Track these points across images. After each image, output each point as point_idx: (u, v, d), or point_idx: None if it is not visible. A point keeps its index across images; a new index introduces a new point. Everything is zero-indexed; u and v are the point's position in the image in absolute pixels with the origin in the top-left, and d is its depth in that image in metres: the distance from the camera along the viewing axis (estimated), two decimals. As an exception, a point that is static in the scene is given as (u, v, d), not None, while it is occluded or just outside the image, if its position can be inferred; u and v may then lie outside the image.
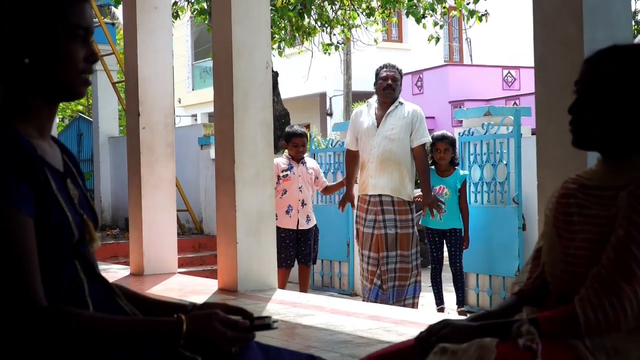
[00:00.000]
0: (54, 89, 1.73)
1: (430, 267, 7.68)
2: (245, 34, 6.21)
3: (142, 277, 7.45)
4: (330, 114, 25.05)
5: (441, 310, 7.12)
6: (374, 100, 6.41)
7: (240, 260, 6.18)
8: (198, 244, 11.59)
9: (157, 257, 7.58)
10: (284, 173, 7.17)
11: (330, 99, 25.18)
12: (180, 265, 8.17)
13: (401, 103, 6.25)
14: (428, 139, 6.53)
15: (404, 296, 6.21)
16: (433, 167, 7.29)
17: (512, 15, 22.14)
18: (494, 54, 25.00)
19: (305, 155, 7.47)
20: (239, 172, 6.19)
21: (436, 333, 1.96)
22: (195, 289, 6.49)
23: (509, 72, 23.99)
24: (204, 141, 12.18)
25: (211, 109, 29.32)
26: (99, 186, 14.29)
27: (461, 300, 7.51)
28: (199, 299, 6.00)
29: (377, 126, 6.22)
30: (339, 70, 22.46)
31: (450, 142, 7.33)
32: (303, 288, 7.29)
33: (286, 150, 7.49)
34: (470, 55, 26.28)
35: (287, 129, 7.72)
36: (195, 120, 29.15)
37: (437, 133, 7.50)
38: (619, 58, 2.01)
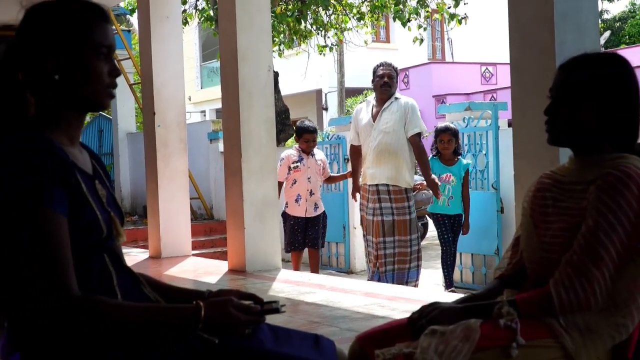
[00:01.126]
0: (82, 102, 1.76)
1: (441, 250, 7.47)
2: (249, 40, 6.22)
3: (159, 259, 7.46)
4: (326, 109, 25.04)
5: (452, 292, 6.86)
6: (372, 98, 6.38)
7: (248, 244, 6.21)
8: (209, 229, 11.61)
9: (173, 242, 7.60)
10: (295, 164, 7.11)
11: (326, 95, 25.16)
12: (193, 248, 8.16)
13: (397, 98, 6.18)
14: (421, 128, 6.35)
15: (406, 279, 6.14)
16: (437, 157, 7.21)
17: (490, 16, 22.08)
18: (473, 52, 25.00)
19: (315, 149, 7.39)
20: (245, 165, 6.21)
21: (426, 315, 1.99)
22: (208, 270, 6.50)
23: (487, 69, 24.00)
24: (213, 136, 12.20)
25: (218, 106, 29.25)
26: (119, 177, 14.29)
27: (449, 282, 7.27)
28: (212, 279, 6.03)
29: (374, 121, 6.15)
30: (333, 69, 22.45)
31: (453, 133, 7.19)
32: (314, 269, 7.25)
33: (292, 143, 7.47)
34: (452, 54, 26.26)
35: (299, 124, 7.64)
36: (204, 115, 29.11)
37: (440, 125, 7.41)
38: (590, 66, 2.04)
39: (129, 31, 14.95)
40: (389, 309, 4.41)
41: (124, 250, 7.51)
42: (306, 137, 7.19)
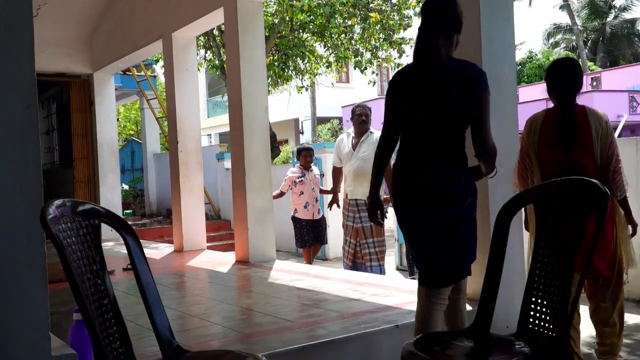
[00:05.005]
0: None
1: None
2: (250, 88, 6.16)
3: (182, 252, 7.36)
4: (302, 133, 25.02)
5: (413, 279, 6.43)
6: (351, 130, 6.21)
7: (251, 241, 6.14)
8: (218, 226, 11.52)
9: (192, 239, 7.50)
10: (300, 179, 6.94)
11: (302, 122, 25.14)
12: (206, 242, 8.06)
13: (372, 132, 6.08)
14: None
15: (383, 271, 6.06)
16: None
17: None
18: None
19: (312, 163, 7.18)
20: (248, 181, 6.14)
21: None
22: (221, 261, 6.41)
23: (421, 102, 24.13)
24: (220, 156, 12.14)
25: (221, 131, 29.09)
26: (147, 187, 14.11)
27: (412, 271, 7.04)
28: (224, 268, 5.95)
29: (354, 150, 6.04)
30: (308, 102, 22.48)
31: None
32: (312, 258, 7.08)
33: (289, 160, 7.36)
34: (395, 91, 26.32)
35: (298, 146, 7.51)
36: (210, 138, 28.92)
37: None
38: None
39: (154, 77, 14.77)
40: (361, 292, 4.36)
41: (153, 244, 7.43)
42: (304, 154, 7.04)
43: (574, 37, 32.42)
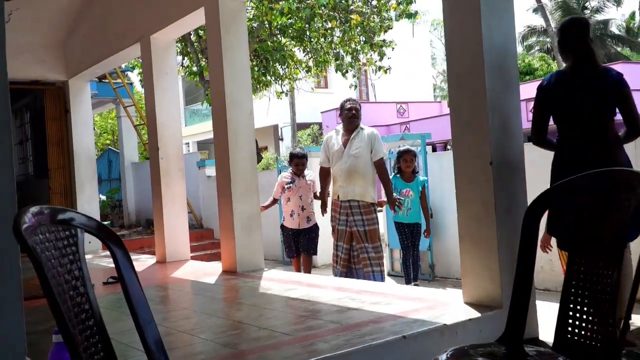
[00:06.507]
0: None
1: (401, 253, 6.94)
2: (234, 91, 5.91)
3: (165, 263, 7.06)
4: (282, 139, 24.76)
5: (415, 285, 6.35)
6: (340, 127, 5.92)
7: (238, 250, 5.86)
8: (200, 235, 11.21)
9: (175, 249, 7.21)
10: (288, 185, 6.64)
11: (281, 128, 24.89)
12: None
13: (362, 128, 5.78)
14: (384, 154, 5.92)
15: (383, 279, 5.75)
16: (398, 175, 6.68)
17: (402, 66, 22.17)
18: (390, 94, 25.07)
19: (306, 170, 6.81)
20: (234, 188, 5.88)
21: None
22: (207, 272, 6.14)
23: (401, 106, 24.07)
24: (201, 164, 11.86)
25: (199, 139, 28.77)
26: (126, 197, 13.74)
27: (415, 277, 6.75)
28: (210, 279, 5.68)
29: (345, 147, 5.76)
30: (287, 108, 22.26)
31: (414, 154, 6.68)
32: (306, 271, 6.65)
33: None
34: (375, 95, 26.27)
35: (291, 151, 7.19)
36: (189, 147, 28.55)
37: (402, 147, 6.83)
38: None
39: (131, 84, 14.44)
40: (359, 301, 4.13)
41: (134, 256, 7.07)
42: (296, 161, 6.71)
43: (549, 39, 32.67)
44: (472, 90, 3.62)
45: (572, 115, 3.52)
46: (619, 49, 34.02)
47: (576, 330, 1.84)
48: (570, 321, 1.86)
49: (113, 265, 1.82)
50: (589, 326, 1.80)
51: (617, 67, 22.42)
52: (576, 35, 3.60)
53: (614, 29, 35.30)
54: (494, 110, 3.56)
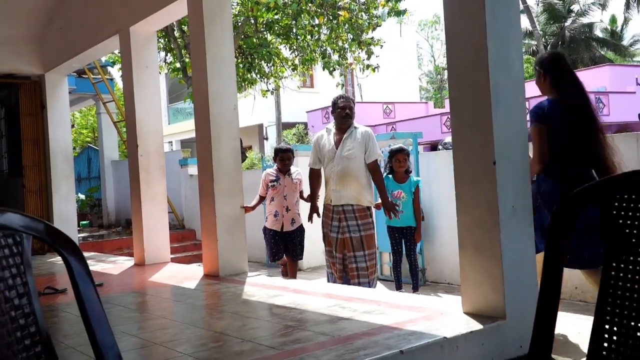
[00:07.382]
0: None
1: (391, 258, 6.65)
2: (218, 84, 5.59)
3: (143, 266, 6.72)
4: (267, 139, 24.42)
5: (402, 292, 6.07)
6: (332, 126, 5.55)
7: (220, 253, 5.55)
8: (181, 236, 10.86)
9: (155, 251, 6.87)
10: (272, 183, 6.22)
11: (266, 128, 24.56)
12: (170, 253, 7.41)
13: (355, 127, 5.41)
14: (379, 155, 5.56)
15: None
16: (390, 175, 6.29)
17: (388, 67, 21.97)
18: (376, 94, 24.87)
19: (292, 167, 6.36)
20: (217, 188, 5.56)
21: None
22: (187, 276, 5.81)
23: (387, 106, 23.84)
24: (183, 162, 11.52)
25: (182, 137, 28.40)
26: (105, 196, 13.36)
27: (416, 286, 6.37)
28: (191, 284, 5.36)
29: (337, 148, 5.39)
30: (273, 107, 21.95)
31: (407, 153, 6.28)
32: (291, 276, 6.26)
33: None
34: (361, 95, 26.03)
35: (276, 146, 6.71)
36: (172, 146, 28.11)
37: (395, 146, 6.40)
38: None
39: (111, 79, 14.04)
40: (350, 310, 3.83)
41: (111, 258, 6.69)
42: (281, 156, 6.23)
43: (534, 42, 32.65)
44: (475, 85, 3.35)
45: (568, 140, 3.86)
46: (603, 52, 34.11)
47: (613, 346, 1.57)
48: (607, 335, 1.59)
49: (48, 271, 1.51)
50: (628, 341, 1.53)
51: (602, 69, 22.41)
52: (568, 70, 4.01)
53: (598, 32, 35.40)
54: (498, 107, 3.29)
